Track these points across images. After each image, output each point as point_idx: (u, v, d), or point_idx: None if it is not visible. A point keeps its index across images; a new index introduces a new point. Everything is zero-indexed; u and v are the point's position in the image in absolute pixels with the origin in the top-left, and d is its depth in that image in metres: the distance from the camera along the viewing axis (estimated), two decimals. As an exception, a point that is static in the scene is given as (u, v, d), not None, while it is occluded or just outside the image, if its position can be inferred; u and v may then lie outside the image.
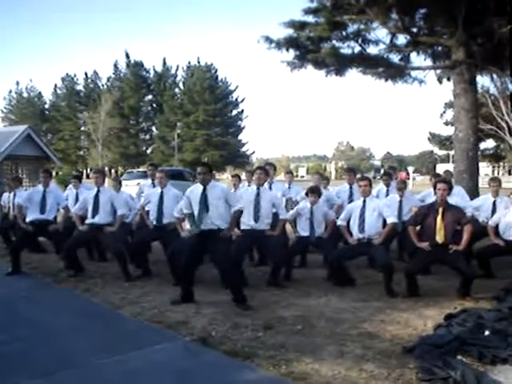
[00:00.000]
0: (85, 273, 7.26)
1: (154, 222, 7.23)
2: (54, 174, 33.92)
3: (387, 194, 8.44)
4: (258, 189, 6.68)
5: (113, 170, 59.24)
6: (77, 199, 8.43)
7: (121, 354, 4.21)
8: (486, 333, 4.33)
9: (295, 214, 7.15)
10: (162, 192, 7.27)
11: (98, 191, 7.22)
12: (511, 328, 4.39)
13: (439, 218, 5.95)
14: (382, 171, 11.89)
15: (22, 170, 14.10)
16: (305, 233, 7.01)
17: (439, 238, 5.93)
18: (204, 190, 5.69)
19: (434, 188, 6.22)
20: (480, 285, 6.23)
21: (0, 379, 3.72)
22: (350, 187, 8.21)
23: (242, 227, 6.67)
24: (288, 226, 7.66)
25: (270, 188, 7.76)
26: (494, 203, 7.57)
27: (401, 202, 7.96)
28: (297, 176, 71.90)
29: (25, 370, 3.89)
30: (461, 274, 5.91)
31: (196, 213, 5.67)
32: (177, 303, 5.63)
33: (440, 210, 5.99)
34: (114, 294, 6.19)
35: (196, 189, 5.82)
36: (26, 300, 6.05)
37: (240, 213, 5.93)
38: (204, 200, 5.65)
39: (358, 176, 8.36)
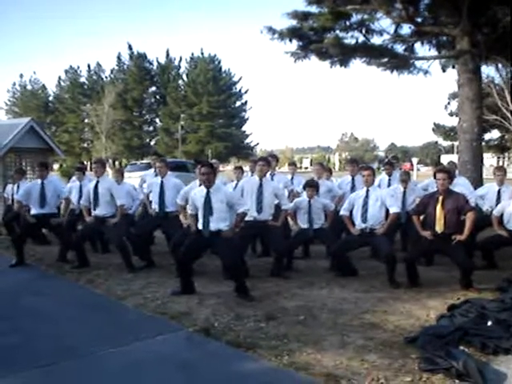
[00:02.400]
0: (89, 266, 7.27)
1: (157, 211, 7.31)
2: (58, 166, 33.98)
3: (389, 184, 8.40)
4: (261, 180, 6.68)
5: (117, 162, 59.26)
6: (81, 192, 8.40)
7: (123, 344, 4.23)
8: (489, 323, 4.33)
9: (294, 207, 7.14)
10: (162, 181, 7.32)
11: (98, 182, 7.20)
12: (514, 318, 4.38)
13: (439, 206, 5.91)
14: (386, 161, 11.85)
15: (25, 162, 14.08)
16: (304, 225, 7.01)
17: (438, 227, 5.89)
18: (208, 192, 5.65)
19: (435, 177, 6.18)
20: (483, 275, 6.23)
21: (2, 369, 3.75)
22: (353, 178, 8.19)
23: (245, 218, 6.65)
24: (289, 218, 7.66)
25: (272, 179, 7.75)
26: (499, 192, 7.52)
27: (405, 192, 7.92)
28: (301, 167, 71.73)
29: (27, 360, 3.91)
30: (458, 265, 5.90)
31: (201, 216, 5.67)
32: (177, 294, 5.64)
33: (440, 198, 5.95)
34: (117, 285, 6.21)
35: (199, 191, 5.79)
36: (29, 291, 6.08)
37: (244, 215, 5.92)
38: (208, 203, 5.62)
39: (361, 166, 8.33)
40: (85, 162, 43.53)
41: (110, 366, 3.87)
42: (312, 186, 7.10)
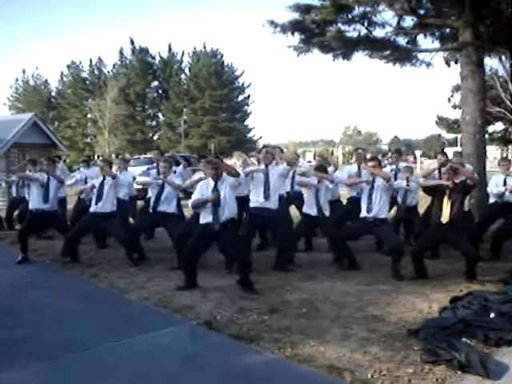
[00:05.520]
0: (80, 262, 7.28)
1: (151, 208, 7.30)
2: (61, 161, 34.10)
3: (396, 173, 8.35)
4: (267, 167, 6.61)
5: (120, 157, 59.14)
6: (85, 183, 8.64)
7: (127, 337, 4.27)
8: (492, 315, 4.33)
9: (305, 181, 7.13)
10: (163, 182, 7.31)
11: (104, 179, 7.25)
12: (517, 310, 4.39)
13: (446, 198, 5.93)
14: (391, 153, 11.65)
15: (28, 158, 14.12)
16: (311, 211, 6.99)
17: (444, 217, 5.91)
18: (215, 185, 5.70)
19: (439, 171, 6.18)
20: (486, 268, 6.24)
21: (8, 362, 3.78)
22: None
23: (252, 205, 6.63)
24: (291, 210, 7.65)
25: None
26: (505, 181, 7.56)
27: (407, 186, 7.87)
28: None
29: (32, 354, 3.95)
30: (463, 254, 5.92)
31: (209, 209, 5.68)
32: (181, 289, 5.66)
33: (447, 190, 5.96)
34: (120, 279, 6.24)
35: (207, 184, 5.82)
36: (33, 285, 6.12)
37: (238, 172, 5.81)
38: (217, 195, 5.65)
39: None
40: (91, 157, 43.56)
41: (114, 358, 3.90)
42: (321, 170, 7.11)
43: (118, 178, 7.41)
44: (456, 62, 12.88)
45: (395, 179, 8.09)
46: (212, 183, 5.75)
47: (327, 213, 7.01)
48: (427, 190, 6.36)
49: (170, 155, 9.21)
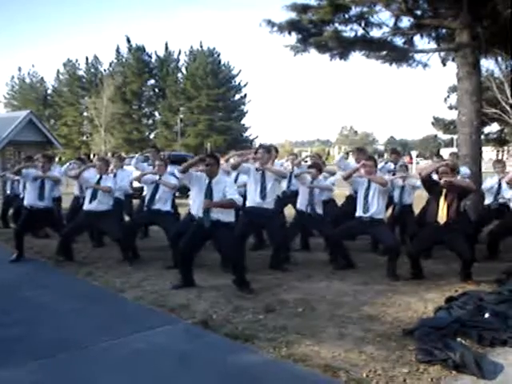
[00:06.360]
0: (75, 260, 7.28)
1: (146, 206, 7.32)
2: (57, 159, 34.02)
3: (395, 173, 8.38)
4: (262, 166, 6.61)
5: (116, 155, 58.92)
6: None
7: (123, 336, 4.26)
8: (486, 315, 4.35)
9: (301, 174, 7.20)
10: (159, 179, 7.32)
11: (101, 178, 7.24)
12: (511, 310, 4.41)
13: (442, 199, 5.93)
14: (389, 152, 11.63)
15: (24, 155, 14.08)
16: (303, 207, 7.03)
17: (441, 218, 5.91)
18: (210, 182, 5.65)
19: (437, 172, 6.18)
20: (482, 268, 6.25)
21: (4, 361, 3.77)
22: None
23: (249, 204, 6.63)
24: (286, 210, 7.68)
25: None
26: (500, 182, 7.61)
27: (403, 186, 7.90)
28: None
29: (30, 352, 3.94)
30: (459, 255, 5.93)
31: (202, 207, 5.60)
32: (177, 288, 5.66)
33: (443, 191, 5.97)
34: (115, 278, 6.23)
35: (203, 176, 5.76)
36: (28, 284, 6.10)
37: (233, 203, 5.63)
38: (210, 194, 5.60)
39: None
40: (89, 156, 43.46)
41: (109, 357, 3.89)
42: (315, 167, 7.16)
43: (114, 188, 7.40)
44: (453, 60, 12.88)
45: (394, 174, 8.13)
46: (207, 179, 5.69)
47: (320, 211, 7.03)
48: (426, 182, 6.22)
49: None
